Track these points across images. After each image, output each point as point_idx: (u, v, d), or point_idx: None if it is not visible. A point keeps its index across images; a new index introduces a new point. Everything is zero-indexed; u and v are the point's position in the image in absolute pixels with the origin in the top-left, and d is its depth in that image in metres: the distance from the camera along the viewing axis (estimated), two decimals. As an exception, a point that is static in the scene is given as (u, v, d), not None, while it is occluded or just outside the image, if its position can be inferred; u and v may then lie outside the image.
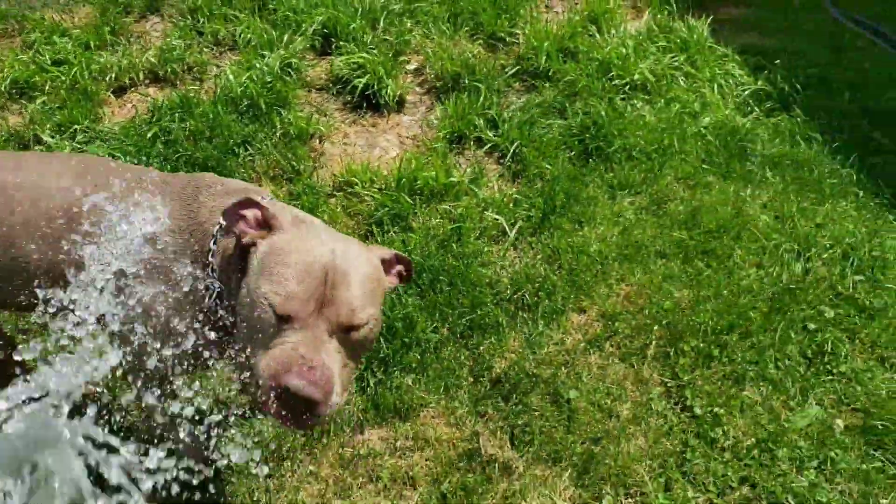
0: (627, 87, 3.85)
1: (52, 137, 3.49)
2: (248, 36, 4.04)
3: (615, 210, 3.28)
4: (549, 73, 3.93)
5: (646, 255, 3.10)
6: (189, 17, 4.22)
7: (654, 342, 2.81)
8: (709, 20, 4.21)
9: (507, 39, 4.16)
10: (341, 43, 4.01)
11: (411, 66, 4.04)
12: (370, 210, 3.22)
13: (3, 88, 3.69)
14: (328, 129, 3.66)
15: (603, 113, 3.61)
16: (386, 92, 3.76)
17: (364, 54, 3.88)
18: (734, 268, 3.03)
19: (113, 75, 3.80)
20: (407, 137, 3.68)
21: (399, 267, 1.97)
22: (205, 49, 4.03)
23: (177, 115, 3.56)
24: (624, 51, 3.97)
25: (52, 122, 3.53)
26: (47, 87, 3.71)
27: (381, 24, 4.13)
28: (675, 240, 3.15)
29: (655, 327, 2.84)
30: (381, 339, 2.75)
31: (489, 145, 3.57)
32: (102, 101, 3.72)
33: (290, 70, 3.88)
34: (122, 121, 3.61)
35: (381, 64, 3.82)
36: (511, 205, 3.29)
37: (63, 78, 3.75)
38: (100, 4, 4.26)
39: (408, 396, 2.64)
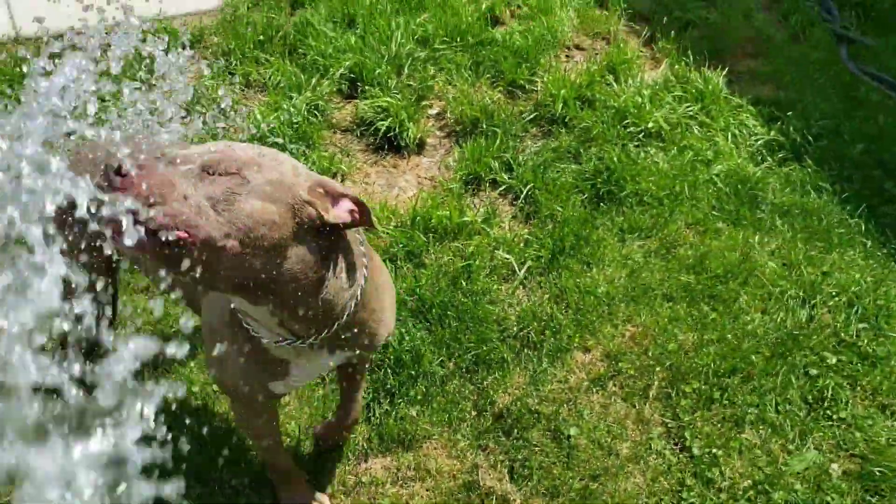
0: (642, 134, 3.94)
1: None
2: (278, 78, 4.22)
3: (624, 253, 3.35)
4: (566, 120, 4.05)
5: (652, 298, 3.16)
6: (223, 58, 4.41)
7: (656, 383, 2.86)
8: (725, 71, 4.31)
9: (527, 87, 4.29)
10: (367, 87, 4.16)
11: (433, 111, 4.18)
12: (385, 246, 3.32)
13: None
14: (350, 169, 3.80)
15: (616, 159, 3.70)
16: (407, 135, 3.90)
17: (388, 98, 4.03)
18: (739, 312, 3.07)
19: (153, 113, 3.99)
20: (425, 178, 3.80)
21: (350, 205, 1.67)
22: (236, 90, 4.21)
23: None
24: (640, 99, 4.08)
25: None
26: (89, 122, 3.90)
27: (406, 70, 4.28)
28: (682, 283, 3.21)
29: (658, 368, 2.89)
30: (389, 371, 2.83)
31: (503, 187, 3.68)
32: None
33: (316, 112, 4.03)
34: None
35: (404, 108, 3.97)
36: (521, 245, 3.38)
37: (108, 117, 3.94)
38: (140, 48, 4.47)
39: (412, 427, 2.71)
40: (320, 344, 1.80)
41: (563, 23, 4.80)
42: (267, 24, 4.61)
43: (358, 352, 2.00)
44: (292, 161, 1.65)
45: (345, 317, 1.76)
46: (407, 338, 2.92)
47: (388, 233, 3.37)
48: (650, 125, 3.95)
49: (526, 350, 2.98)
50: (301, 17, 4.73)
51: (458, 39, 4.57)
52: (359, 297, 1.78)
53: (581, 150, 3.86)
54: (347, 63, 4.26)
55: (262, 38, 4.51)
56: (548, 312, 3.08)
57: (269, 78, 4.22)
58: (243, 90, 4.25)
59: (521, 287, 3.24)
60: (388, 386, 2.81)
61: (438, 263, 3.25)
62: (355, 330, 1.84)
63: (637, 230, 3.46)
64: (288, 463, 2.46)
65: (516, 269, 3.28)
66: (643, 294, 3.17)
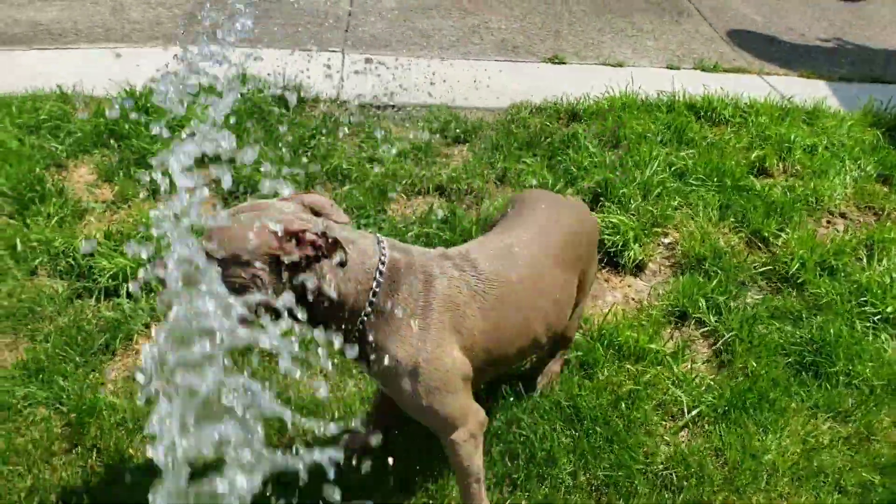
0: (878, 316, 3.65)
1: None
2: (532, 179, 4.53)
3: (808, 429, 3.11)
4: (799, 282, 3.87)
5: (822, 483, 2.90)
6: (490, 152, 4.84)
7: (792, 571, 2.61)
8: None
9: (770, 240, 4.17)
10: (607, 203, 4.33)
11: (665, 240, 4.22)
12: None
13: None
14: (565, 273, 3.95)
15: (834, 331, 3.46)
16: (629, 254, 3.97)
17: (622, 217, 4.15)
18: (918, 531, 2.71)
19: (409, 181, 4.49)
20: (633, 299, 3.84)
21: (311, 238, 1.99)
22: (489, 180, 4.58)
23: (445, 224, 4.10)
24: (888, 280, 3.78)
25: (353, 202, 4.22)
26: (355, 175, 4.47)
27: (652, 196, 4.38)
28: (863, 480, 2.91)
29: (800, 557, 2.64)
30: (520, 463, 2.89)
31: (707, 328, 3.60)
32: (391, 200, 4.41)
33: (554, 214, 4.26)
34: (398, 217, 4.24)
35: (634, 229, 4.06)
36: (701, 389, 3.28)
37: (371, 176, 4.51)
38: (423, 127, 5.07)
39: (523, 524, 2.74)
40: (351, 343, 2.11)
41: (835, 188, 4.61)
42: (539, 129, 5.00)
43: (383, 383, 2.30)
44: (279, 215, 1.99)
45: (344, 324, 2.12)
46: (548, 438, 2.98)
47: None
48: (889, 309, 3.64)
49: (663, 490, 2.88)
50: (573, 129, 5.05)
51: (715, 179, 4.58)
52: (367, 316, 2.13)
53: (804, 316, 3.66)
54: (597, 177, 4.46)
55: (530, 140, 4.89)
56: (699, 462, 2.96)
57: (521, 176, 4.55)
58: (496, 184, 4.60)
59: (684, 430, 3.14)
60: (514, 476, 2.87)
61: (609, 380, 3.26)
62: (372, 350, 2.16)
63: (833, 411, 3.20)
64: None
65: (686, 410, 3.19)
66: (813, 476, 2.92)
